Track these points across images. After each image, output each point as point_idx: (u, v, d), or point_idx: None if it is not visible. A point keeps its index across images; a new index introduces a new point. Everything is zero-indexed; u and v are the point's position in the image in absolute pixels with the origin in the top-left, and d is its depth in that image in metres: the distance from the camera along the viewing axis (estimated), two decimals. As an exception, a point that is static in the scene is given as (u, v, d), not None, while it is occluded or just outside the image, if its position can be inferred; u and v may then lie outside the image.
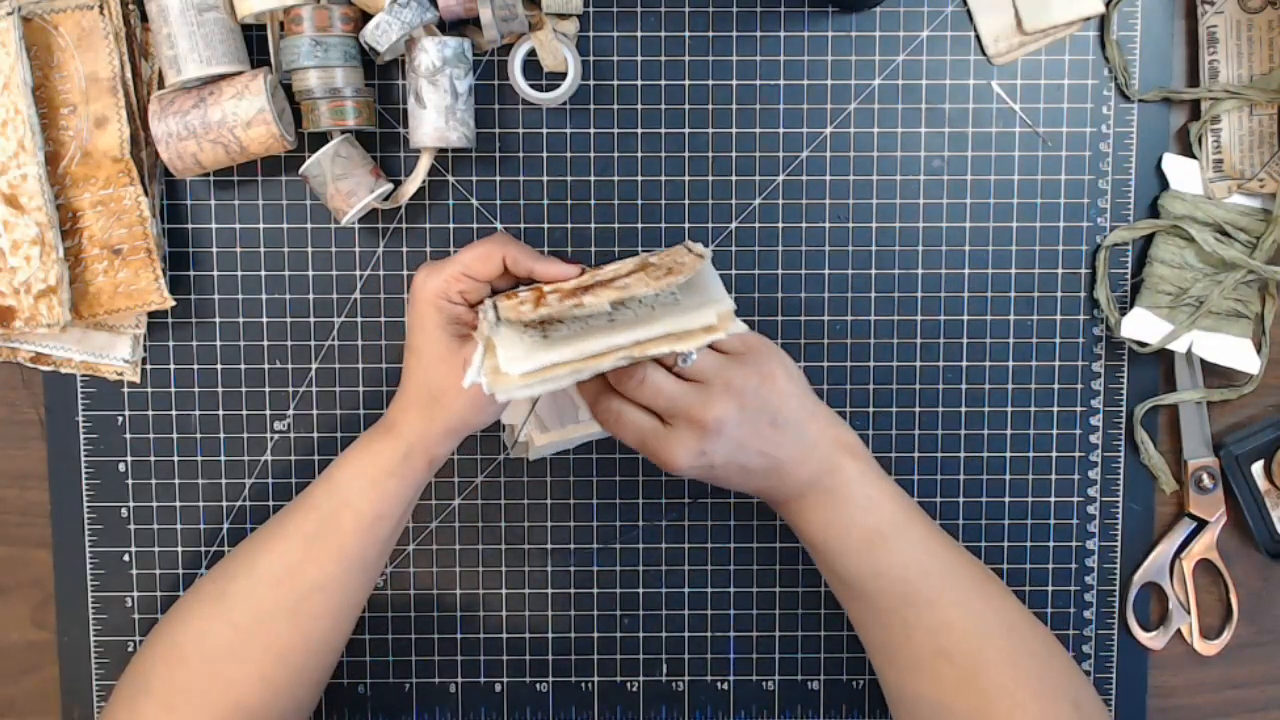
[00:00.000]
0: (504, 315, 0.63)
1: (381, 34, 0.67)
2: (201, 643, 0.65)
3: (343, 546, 0.66)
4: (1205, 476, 0.75)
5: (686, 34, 0.73)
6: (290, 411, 0.75)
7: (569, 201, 0.74)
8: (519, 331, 0.63)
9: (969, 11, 0.72)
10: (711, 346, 0.65)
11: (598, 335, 0.61)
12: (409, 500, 0.68)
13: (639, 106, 0.73)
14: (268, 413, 0.74)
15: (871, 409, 0.75)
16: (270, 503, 0.75)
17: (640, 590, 0.76)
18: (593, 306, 0.62)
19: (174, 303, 0.72)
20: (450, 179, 0.74)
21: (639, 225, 0.74)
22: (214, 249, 0.74)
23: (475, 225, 0.74)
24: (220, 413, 0.74)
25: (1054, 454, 0.75)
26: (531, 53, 0.71)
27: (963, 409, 0.75)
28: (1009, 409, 0.75)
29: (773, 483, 0.66)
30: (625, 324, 0.62)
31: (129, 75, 0.70)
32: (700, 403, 0.63)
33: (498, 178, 0.73)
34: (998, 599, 0.67)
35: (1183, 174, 0.73)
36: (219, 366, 0.74)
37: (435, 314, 0.66)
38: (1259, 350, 0.74)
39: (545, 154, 0.73)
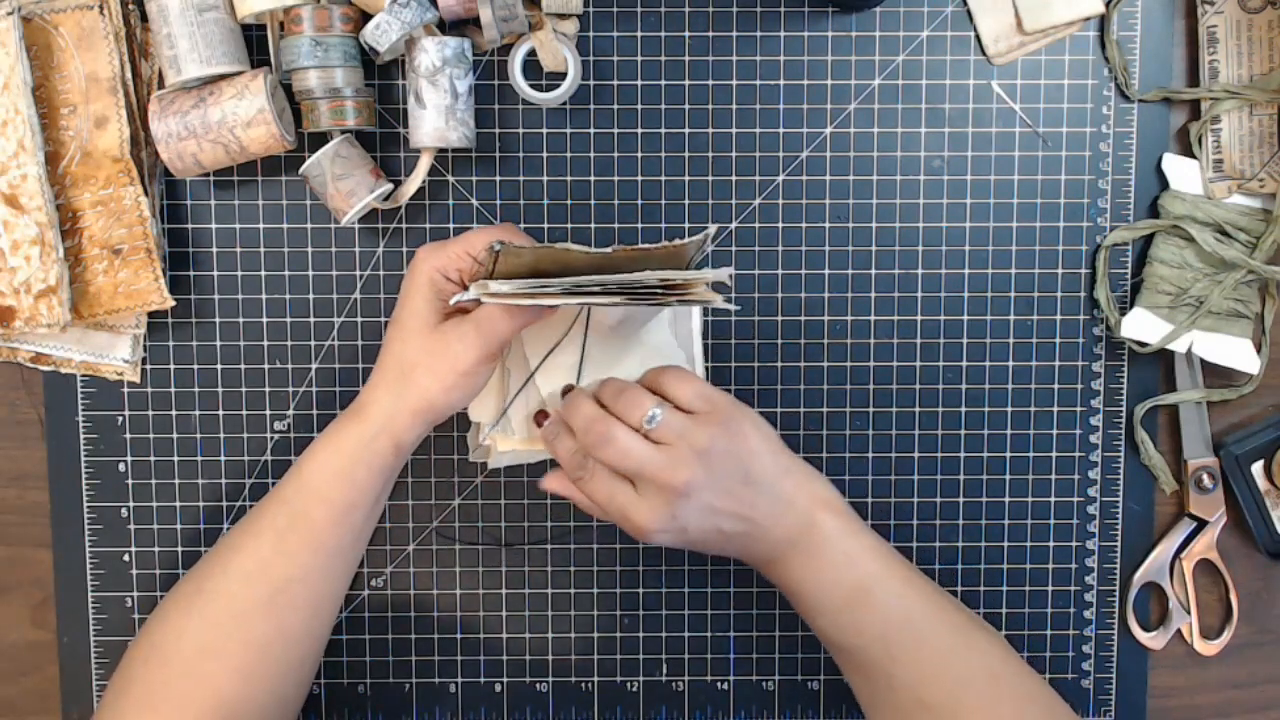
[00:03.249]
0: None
1: (381, 34, 0.67)
2: (180, 642, 0.65)
3: (316, 538, 0.66)
4: (1205, 476, 0.75)
5: (686, 34, 0.73)
6: (290, 411, 0.75)
7: (569, 201, 0.74)
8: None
9: (969, 11, 0.73)
10: (679, 407, 0.65)
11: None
12: (380, 487, 0.68)
13: (639, 106, 0.73)
14: (268, 413, 0.75)
15: (871, 409, 0.75)
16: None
17: (640, 590, 0.76)
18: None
19: (174, 303, 0.72)
20: (450, 179, 0.74)
21: (639, 225, 0.74)
22: (214, 249, 0.74)
23: (475, 225, 0.74)
24: (220, 413, 0.74)
25: (1054, 454, 0.75)
26: (531, 53, 0.71)
27: (963, 409, 0.75)
28: (1009, 409, 0.75)
29: (750, 545, 0.65)
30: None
31: (129, 75, 0.70)
32: (669, 465, 0.63)
33: (498, 178, 0.74)
34: (981, 645, 0.66)
35: (1183, 174, 0.73)
36: (219, 366, 0.74)
37: (428, 287, 0.66)
38: (1259, 350, 0.74)
39: (545, 154, 0.73)
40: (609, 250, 0.63)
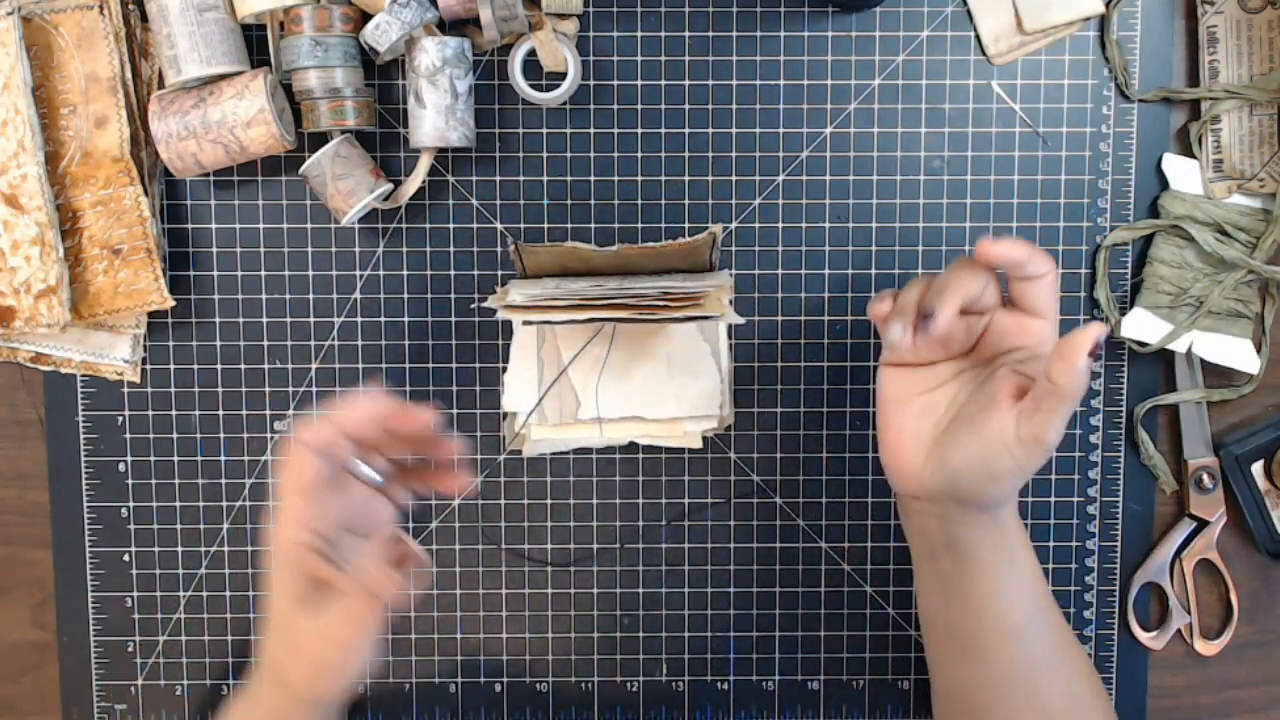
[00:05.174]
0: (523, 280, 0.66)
1: (381, 34, 0.67)
2: None
3: None
4: (1205, 476, 0.75)
5: (686, 34, 0.73)
6: (290, 411, 0.75)
7: (569, 201, 0.74)
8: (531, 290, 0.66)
9: (969, 11, 0.72)
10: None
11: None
12: None
13: (639, 106, 0.73)
14: (268, 413, 0.74)
15: (871, 409, 0.75)
16: (270, 503, 0.75)
17: (640, 590, 0.76)
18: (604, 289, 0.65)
19: (174, 303, 0.72)
20: (450, 179, 0.74)
21: (639, 225, 0.74)
22: (214, 249, 0.74)
23: (475, 225, 0.74)
24: (220, 413, 0.74)
25: (1054, 454, 0.75)
26: (531, 53, 0.71)
27: (963, 409, 0.75)
28: (1009, 409, 0.75)
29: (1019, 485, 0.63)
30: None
31: (129, 75, 0.70)
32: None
33: (498, 178, 0.74)
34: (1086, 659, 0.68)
35: (1183, 174, 0.73)
36: (219, 366, 0.74)
37: (289, 571, 0.59)
38: (1259, 350, 0.74)
39: (545, 154, 0.73)
40: (615, 249, 0.65)
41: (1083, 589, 0.76)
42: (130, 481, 0.75)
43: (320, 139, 0.71)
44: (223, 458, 0.75)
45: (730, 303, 0.63)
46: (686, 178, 0.74)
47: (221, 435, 0.75)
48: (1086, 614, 0.76)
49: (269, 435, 0.75)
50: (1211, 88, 0.72)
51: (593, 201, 0.74)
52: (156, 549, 0.75)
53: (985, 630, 0.64)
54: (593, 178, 0.73)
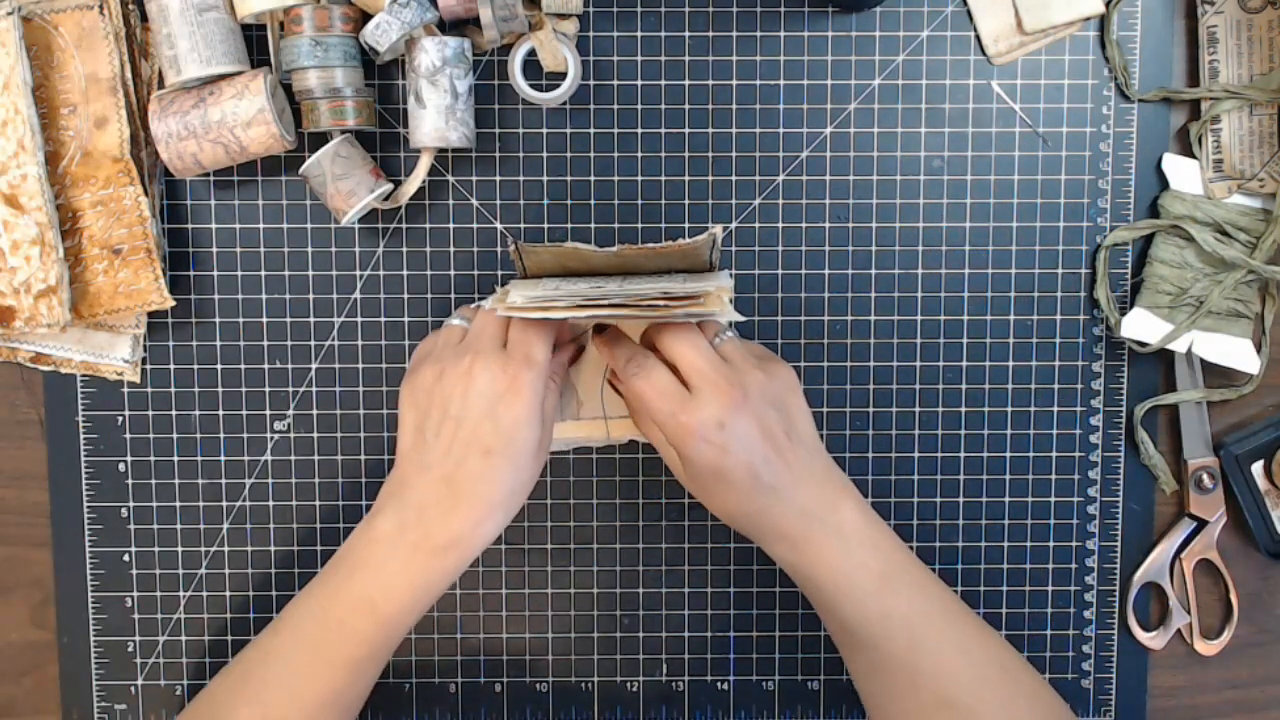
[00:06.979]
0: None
1: (381, 34, 0.67)
2: None
3: (379, 659, 0.66)
4: (1205, 476, 0.75)
5: (686, 34, 0.73)
6: (290, 411, 0.75)
7: (569, 201, 0.74)
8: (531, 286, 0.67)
9: (969, 11, 0.73)
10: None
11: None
12: None
13: (639, 106, 0.73)
14: (268, 413, 0.75)
15: (871, 409, 0.75)
16: (270, 503, 0.75)
17: (640, 590, 0.76)
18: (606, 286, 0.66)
19: (174, 303, 0.72)
20: (450, 179, 0.74)
21: (639, 225, 0.74)
22: (214, 249, 0.74)
23: (475, 225, 0.74)
24: (220, 413, 0.74)
25: (1054, 454, 0.75)
26: (531, 53, 0.71)
27: (963, 409, 0.75)
28: (1009, 409, 0.75)
29: (774, 507, 0.64)
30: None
31: (129, 75, 0.70)
32: (733, 372, 0.63)
33: (498, 178, 0.74)
34: (991, 641, 0.66)
35: (1183, 174, 0.73)
36: (219, 366, 0.74)
37: (540, 400, 0.64)
38: (1259, 350, 0.74)
39: (545, 154, 0.73)
40: (616, 249, 0.65)
41: (1083, 589, 0.76)
42: (130, 481, 0.75)
43: (320, 139, 0.71)
44: (223, 458, 0.75)
45: (730, 302, 0.63)
46: (686, 178, 0.74)
47: (221, 435, 0.75)
48: (1086, 614, 0.76)
49: (269, 435, 0.75)
50: (1211, 88, 0.72)
51: (593, 201, 0.74)
52: (156, 549, 0.75)
53: (840, 632, 0.67)
54: (593, 178, 0.73)
